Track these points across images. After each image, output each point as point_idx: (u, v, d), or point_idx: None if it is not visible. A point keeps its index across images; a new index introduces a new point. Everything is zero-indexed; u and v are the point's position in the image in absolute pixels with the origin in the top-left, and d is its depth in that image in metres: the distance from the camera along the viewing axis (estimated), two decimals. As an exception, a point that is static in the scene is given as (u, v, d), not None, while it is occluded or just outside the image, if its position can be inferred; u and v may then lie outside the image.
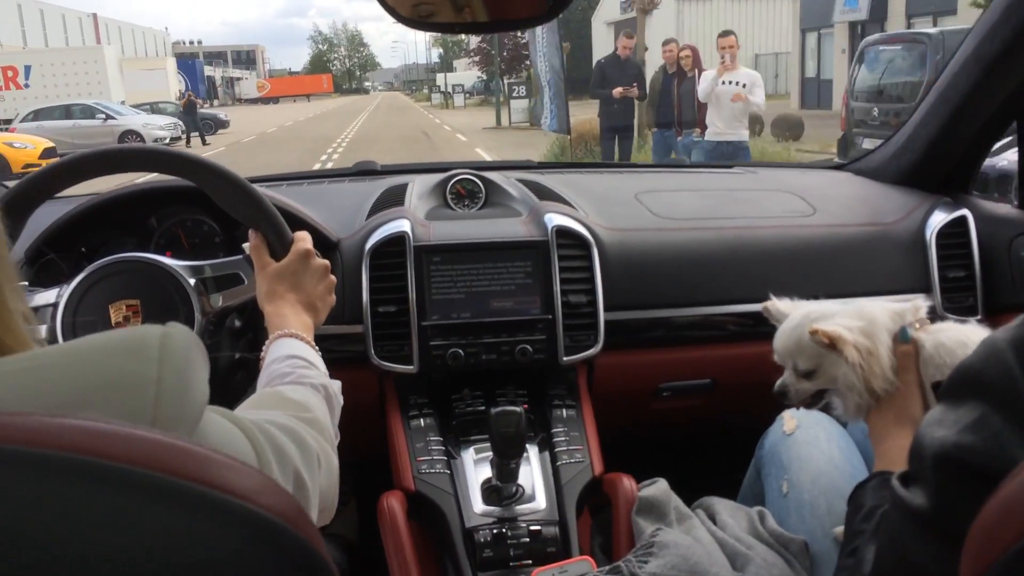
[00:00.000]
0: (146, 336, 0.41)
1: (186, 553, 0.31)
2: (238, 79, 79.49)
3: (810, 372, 1.15)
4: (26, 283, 1.24)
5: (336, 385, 0.99)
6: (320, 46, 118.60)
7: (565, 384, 1.57)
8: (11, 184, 1.18)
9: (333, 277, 1.17)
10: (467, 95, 43.90)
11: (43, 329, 1.16)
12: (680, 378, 1.67)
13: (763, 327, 1.50)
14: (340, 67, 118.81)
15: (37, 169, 1.18)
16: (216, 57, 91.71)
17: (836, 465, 1.27)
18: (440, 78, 57.77)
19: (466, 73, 55.75)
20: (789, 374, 1.18)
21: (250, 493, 0.33)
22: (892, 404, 1.09)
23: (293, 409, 0.79)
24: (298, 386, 0.92)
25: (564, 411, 1.52)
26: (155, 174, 1.21)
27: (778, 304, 1.21)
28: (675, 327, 1.62)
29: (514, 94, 22.33)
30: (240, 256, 1.25)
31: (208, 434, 0.45)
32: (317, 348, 1.05)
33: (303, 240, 1.15)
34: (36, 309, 1.18)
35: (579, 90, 30.16)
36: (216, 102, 66.42)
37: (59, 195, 1.22)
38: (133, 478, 0.31)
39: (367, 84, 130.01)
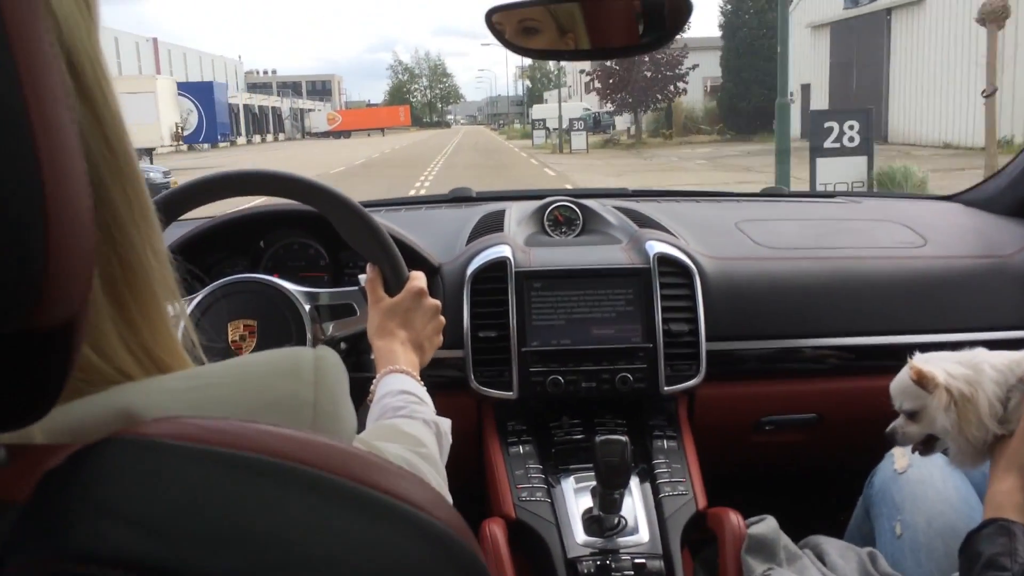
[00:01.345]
0: (301, 359, 0.45)
1: (380, 561, 0.33)
2: (309, 111, 78.37)
3: (914, 413, 1.23)
4: None
5: (446, 424, 1.05)
6: (400, 76, 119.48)
7: (665, 415, 1.63)
8: None
9: (442, 318, 1.26)
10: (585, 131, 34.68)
11: None
12: (784, 411, 1.70)
13: (870, 361, 1.56)
14: (421, 99, 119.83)
15: (166, 191, 1.31)
16: (288, 87, 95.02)
17: (953, 506, 1.30)
18: (535, 109, 51.36)
19: (567, 105, 47.13)
20: (900, 416, 1.26)
21: (429, 506, 0.36)
22: (1003, 449, 1.16)
23: (410, 443, 0.86)
24: (412, 420, 0.99)
25: (665, 442, 1.57)
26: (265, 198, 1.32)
27: (917, 357, 1.27)
28: (778, 359, 1.66)
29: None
30: (356, 288, 1.33)
31: None
32: (423, 383, 1.12)
33: (418, 279, 1.24)
34: None
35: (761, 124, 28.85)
36: (282, 136, 67.52)
37: (182, 218, 1.35)
38: (332, 484, 0.34)
39: (449, 117, 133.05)
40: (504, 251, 1.64)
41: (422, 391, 1.09)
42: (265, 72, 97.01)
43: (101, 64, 0.43)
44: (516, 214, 1.90)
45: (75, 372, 0.38)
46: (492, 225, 1.82)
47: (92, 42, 0.42)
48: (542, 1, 1.24)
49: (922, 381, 1.19)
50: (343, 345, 1.38)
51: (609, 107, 36.48)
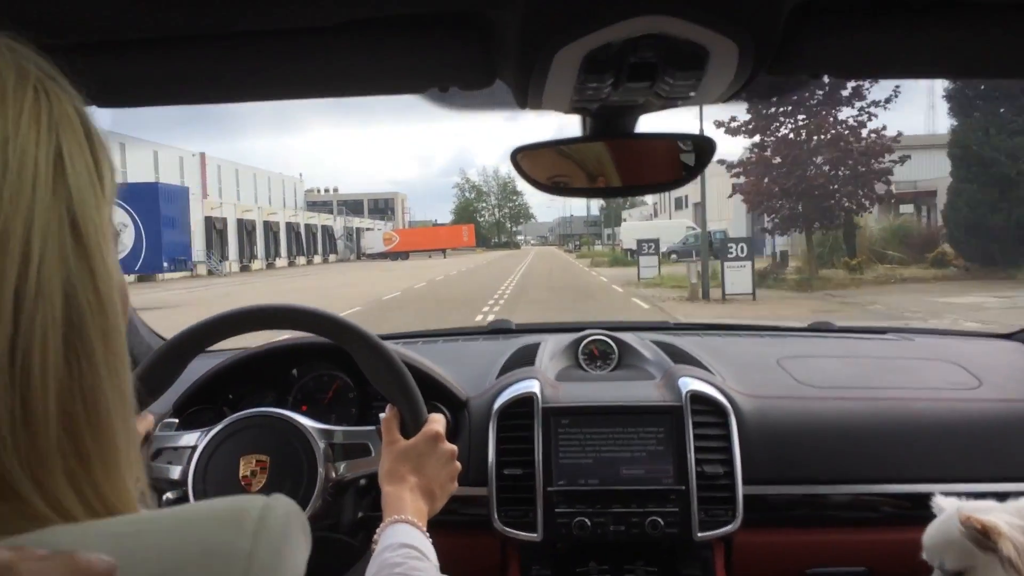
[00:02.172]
0: (247, 508, 0.46)
1: None
2: (367, 229, 73.98)
3: (959, 574, 1.15)
4: (175, 420, 1.46)
5: None
6: (467, 194, 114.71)
7: (700, 562, 1.58)
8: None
9: (458, 464, 1.27)
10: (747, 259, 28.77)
11: (178, 470, 1.32)
12: (830, 563, 1.62)
13: (924, 511, 1.44)
14: (488, 218, 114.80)
15: (196, 322, 1.38)
16: (348, 206, 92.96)
17: None
18: (626, 228, 47.57)
19: (664, 223, 43.89)
20: (937, 574, 1.20)
21: None
22: None
23: None
24: None
25: None
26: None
27: (940, 500, 1.27)
28: (823, 506, 1.61)
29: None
30: (372, 427, 1.35)
31: None
32: (428, 535, 1.13)
33: (436, 423, 1.27)
34: (177, 448, 1.35)
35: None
36: (333, 257, 63.53)
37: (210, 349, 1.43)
38: None
39: (519, 238, 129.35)
40: (532, 386, 1.66)
41: (426, 544, 1.09)
42: (326, 190, 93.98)
43: (103, 231, 0.50)
44: (551, 347, 1.94)
45: (12, 507, 0.42)
46: (524, 359, 1.86)
47: (99, 214, 0.50)
48: (565, 142, 1.26)
49: (986, 533, 1.10)
50: (362, 482, 1.39)
51: (728, 223, 27.31)
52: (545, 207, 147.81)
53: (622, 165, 1.28)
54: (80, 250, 0.47)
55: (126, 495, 0.49)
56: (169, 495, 1.33)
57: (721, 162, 20.48)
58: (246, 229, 47.11)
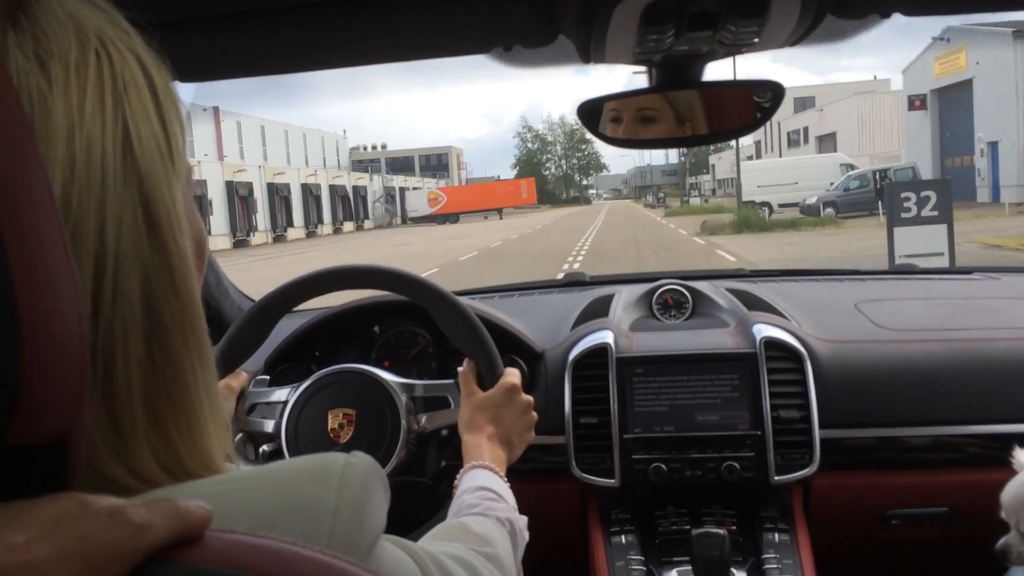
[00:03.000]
0: (330, 465, 0.51)
1: None
2: (415, 188, 64.66)
3: None
4: (267, 377, 1.56)
5: (522, 521, 1.10)
6: (530, 145, 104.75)
7: (778, 506, 1.62)
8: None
9: (534, 414, 1.34)
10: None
11: (271, 423, 1.43)
12: (911, 505, 1.66)
13: (1007, 451, 1.46)
14: (555, 171, 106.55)
15: (282, 284, 1.47)
16: (396, 164, 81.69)
17: None
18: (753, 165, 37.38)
19: (798, 163, 33.39)
20: (1013, 533, 1.24)
21: None
22: None
23: (475, 543, 0.92)
24: (484, 518, 1.05)
25: (776, 535, 1.58)
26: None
27: (1020, 454, 1.30)
28: (903, 448, 1.63)
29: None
30: (451, 380, 1.42)
31: (382, 564, 0.56)
32: (506, 480, 1.20)
33: (511, 375, 1.34)
34: (270, 404, 1.45)
35: None
36: (368, 223, 56.47)
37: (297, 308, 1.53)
38: None
39: (591, 192, 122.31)
40: (606, 337, 1.72)
41: (503, 487, 1.16)
42: (373, 147, 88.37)
43: (178, 214, 0.49)
44: (625, 298, 1.99)
45: (106, 487, 0.44)
46: (599, 310, 1.92)
47: (172, 193, 0.49)
48: (631, 94, 1.28)
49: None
50: (444, 432, 1.47)
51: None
52: (619, 156, 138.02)
53: (711, 111, 1.29)
54: (155, 240, 0.47)
55: (214, 467, 0.52)
56: (265, 448, 1.43)
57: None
58: (280, 194, 41.87)
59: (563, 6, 0.95)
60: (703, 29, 0.96)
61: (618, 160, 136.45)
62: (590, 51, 1.07)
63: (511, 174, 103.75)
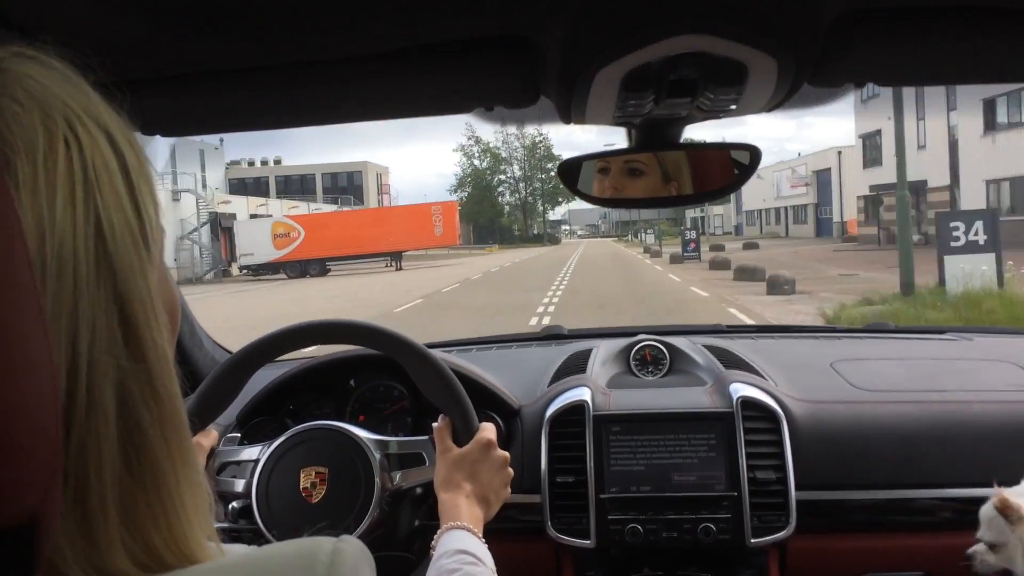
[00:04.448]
0: (318, 552, 0.51)
1: None
2: (257, 217, 42.41)
3: (994, 546, 1.36)
4: (238, 435, 1.59)
5: None
6: (476, 161, 78.99)
7: (754, 568, 1.66)
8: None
9: (511, 471, 1.37)
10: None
11: (241, 483, 1.44)
12: (888, 568, 1.69)
13: None
14: (512, 199, 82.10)
15: (258, 338, 1.49)
16: (293, 185, 66.71)
17: None
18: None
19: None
20: (981, 543, 1.39)
21: None
22: None
23: None
24: None
25: None
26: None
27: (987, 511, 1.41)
28: (879, 511, 1.68)
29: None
30: (426, 437, 1.45)
31: None
32: (485, 542, 1.22)
33: (487, 431, 1.37)
34: (240, 463, 1.47)
35: None
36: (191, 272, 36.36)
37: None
38: None
39: (564, 228, 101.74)
40: (583, 394, 1.76)
41: (482, 550, 1.18)
42: (263, 162, 66.93)
43: (155, 309, 0.49)
44: (603, 353, 2.04)
45: None
46: (576, 365, 1.96)
47: (147, 284, 0.48)
48: (610, 154, 1.34)
49: (1005, 511, 1.32)
50: (418, 491, 1.49)
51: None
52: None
53: (697, 171, 1.33)
54: (131, 343, 0.46)
55: (195, 557, 0.51)
56: (235, 505, 1.44)
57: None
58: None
59: (546, 71, 0.99)
60: (682, 96, 1.01)
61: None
62: (571, 113, 1.11)
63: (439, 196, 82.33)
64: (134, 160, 0.50)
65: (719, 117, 1.18)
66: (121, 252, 0.47)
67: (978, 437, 1.69)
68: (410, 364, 1.43)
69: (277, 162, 65.48)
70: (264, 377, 1.68)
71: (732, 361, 1.93)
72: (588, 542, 1.65)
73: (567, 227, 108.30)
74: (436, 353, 1.44)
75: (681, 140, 1.26)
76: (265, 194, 55.58)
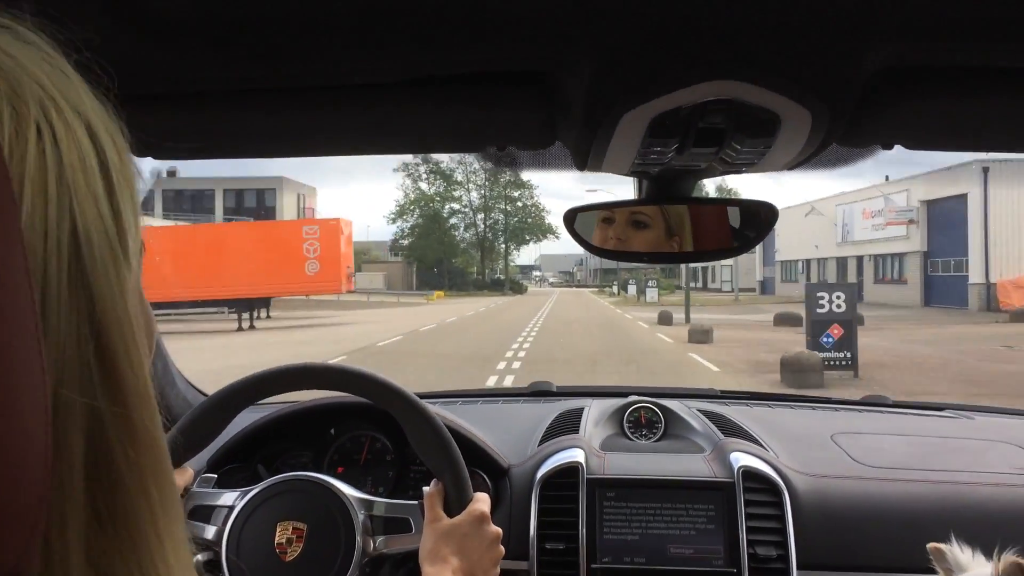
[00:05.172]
0: None
1: None
2: None
3: None
4: (214, 476, 1.50)
5: None
6: (424, 185, 64.61)
7: None
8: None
9: (502, 548, 1.31)
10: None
11: (212, 530, 1.37)
12: None
13: None
14: (467, 235, 67.37)
15: (246, 377, 1.43)
16: (184, 202, 54.65)
17: None
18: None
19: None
20: None
21: None
22: None
23: None
24: None
25: None
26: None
27: (957, 553, 1.30)
28: None
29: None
30: (415, 502, 1.39)
31: None
32: None
33: (481, 502, 1.31)
34: (214, 508, 1.40)
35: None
36: None
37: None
38: None
39: (536, 275, 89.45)
40: (577, 455, 1.71)
41: None
42: (142, 174, 53.59)
43: (134, 336, 0.42)
44: (595, 413, 2.00)
45: None
46: (568, 425, 1.92)
47: (126, 304, 0.42)
48: (620, 204, 1.33)
49: (934, 554, 1.28)
50: (398, 555, 1.42)
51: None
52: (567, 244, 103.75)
53: (698, 230, 1.32)
54: (107, 375, 0.40)
55: None
56: (199, 557, 1.37)
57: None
58: None
59: (567, 111, 0.97)
60: (709, 145, 0.99)
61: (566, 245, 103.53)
62: (588, 158, 1.09)
63: (381, 232, 68.13)
64: (115, 158, 0.44)
65: (739, 172, 1.15)
66: (99, 268, 0.40)
67: (985, 521, 1.64)
68: (405, 419, 1.37)
69: (171, 174, 52.37)
70: (239, 422, 1.59)
71: (730, 428, 1.89)
72: None
73: (538, 273, 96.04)
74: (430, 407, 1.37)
75: (692, 195, 1.23)
76: (149, 211, 42.40)
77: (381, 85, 0.95)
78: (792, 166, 1.11)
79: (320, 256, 26.50)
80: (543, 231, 66.94)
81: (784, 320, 22.88)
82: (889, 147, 1.08)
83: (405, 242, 61.42)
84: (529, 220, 66.05)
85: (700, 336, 19.27)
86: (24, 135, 0.39)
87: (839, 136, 0.98)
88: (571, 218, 1.32)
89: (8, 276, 0.32)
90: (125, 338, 0.41)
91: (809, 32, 0.79)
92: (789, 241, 47.50)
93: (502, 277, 67.22)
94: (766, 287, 55.52)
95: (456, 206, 65.16)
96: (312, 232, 27.03)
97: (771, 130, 0.93)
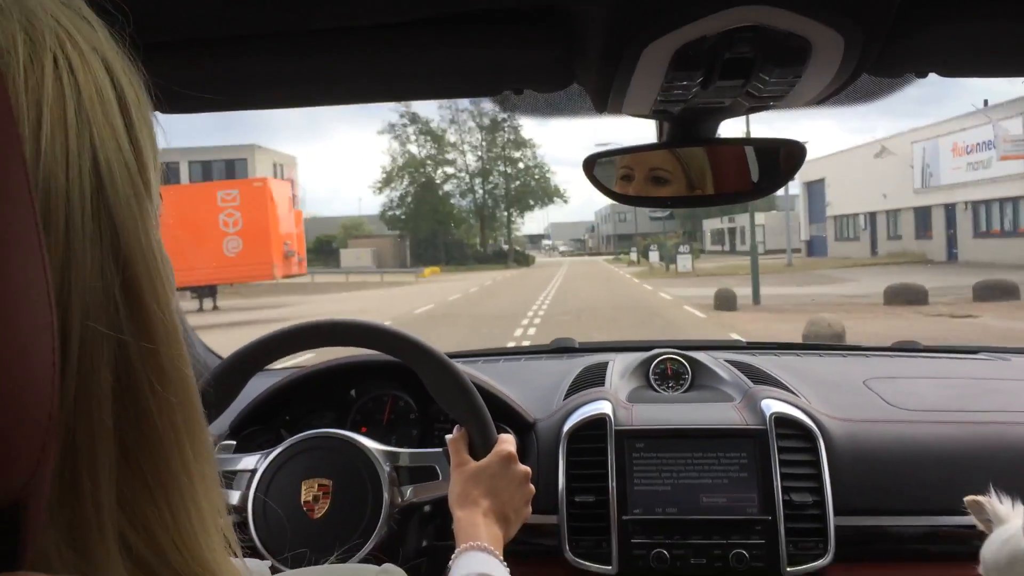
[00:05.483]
0: None
1: None
2: None
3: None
4: (233, 443, 1.50)
5: None
6: (413, 147, 57.95)
7: None
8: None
9: (532, 487, 1.30)
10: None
11: (236, 495, 1.36)
12: None
13: None
14: (463, 201, 60.24)
15: (249, 342, 1.40)
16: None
17: None
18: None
19: None
20: None
21: None
22: None
23: None
24: None
25: None
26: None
27: (996, 504, 1.26)
28: (926, 539, 1.61)
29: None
30: (439, 449, 1.38)
31: None
32: (506, 564, 1.14)
33: (507, 443, 1.30)
34: (236, 472, 1.39)
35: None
36: None
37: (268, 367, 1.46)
38: None
39: (545, 243, 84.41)
40: (604, 407, 1.69)
41: (503, 572, 1.11)
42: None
43: (159, 268, 0.42)
44: (620, 366, 1.97)
45: None
46: (593, 378, 1.90)
47: (150, 240, 0.41)
48: (641, 148, 1.30)
49: (972, 507, 1.25)
50: (427, 508, 1.43)
51: None
52: (583, 190, 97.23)
53: (718, 174, 1.29)
54: (134, 310, 0.39)
55: (211, 571, 0.45)
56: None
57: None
58: None
59: (586, 46, 0.94)
60: (735, 78, 0.96)
61: (582, 197, 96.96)
62: (608, 98, 1.07)
63: (376, 205, 62.09)
64: (133, 96, 0.43)
65: (766, 108, 1.13)
66: (122, 202, 0.39)
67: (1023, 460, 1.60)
68: (425, 371, 1.36)
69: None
70: (257, 386, 1.62)
71: (760, 376, 1.87)
72: (609, 568, 1.57)
73: (548, 242, 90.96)
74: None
75: (716, 136, 1.21)
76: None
77: (392, 25, 0.92)
78: (820, 99, 1.08)
79: (243, 230, 20.52)
80: (549, 194, 60.68)
81: (899, 295, 16.14)
82: (924, 75, 1.04)
83: (395, 213, 55.94)
84: (533, 183, 60.03)
85: (829, 339, 11.01)
86: (40, 61, 0.37)
87: (872, 64, 0.95)
88: (590, 166, 1.29)
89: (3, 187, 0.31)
90: (151, 273, 0.41)
91: None
92: (845, 192, 39.96)
93: (506, 247, 61.69)
94: (814, 247, 45.71)
95: (450, 170, 59.13)
96: (230, 198, 20.76)
97: (801, 58, 0.89)
